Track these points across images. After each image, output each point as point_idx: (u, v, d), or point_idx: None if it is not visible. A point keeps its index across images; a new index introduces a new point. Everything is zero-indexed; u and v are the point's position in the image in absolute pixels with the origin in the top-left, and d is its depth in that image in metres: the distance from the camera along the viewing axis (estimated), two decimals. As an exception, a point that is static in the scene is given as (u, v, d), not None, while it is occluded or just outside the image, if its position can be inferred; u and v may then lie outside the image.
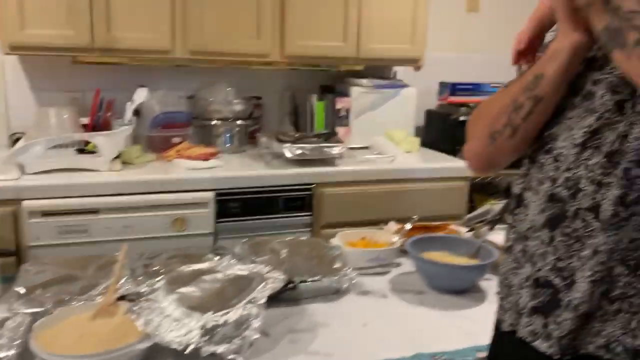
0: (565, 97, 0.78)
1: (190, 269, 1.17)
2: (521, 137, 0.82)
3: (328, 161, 2.35)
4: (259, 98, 2.76)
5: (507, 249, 0.86)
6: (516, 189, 0.86)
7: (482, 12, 3.10)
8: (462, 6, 3.09)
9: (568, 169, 0.75)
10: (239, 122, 2.56)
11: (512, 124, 0.82)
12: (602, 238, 0.70)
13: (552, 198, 0.76)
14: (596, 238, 0.71)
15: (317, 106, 2.72)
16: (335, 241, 1.46)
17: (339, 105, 2.71)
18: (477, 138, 0.90)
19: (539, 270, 0.77)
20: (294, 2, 2.41)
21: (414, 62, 2.71)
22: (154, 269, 1.21)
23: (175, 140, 2.43)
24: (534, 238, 0.79)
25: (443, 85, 2.94)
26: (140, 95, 2.33)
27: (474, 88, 2.90)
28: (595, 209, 0.71)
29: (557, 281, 0.75)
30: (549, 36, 0.87)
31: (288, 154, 2.26)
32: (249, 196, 2.21)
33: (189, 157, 2.26)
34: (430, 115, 2.99)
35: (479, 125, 0.90)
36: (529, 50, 0.89)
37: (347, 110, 2.71)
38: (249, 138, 2.65)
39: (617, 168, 0.70)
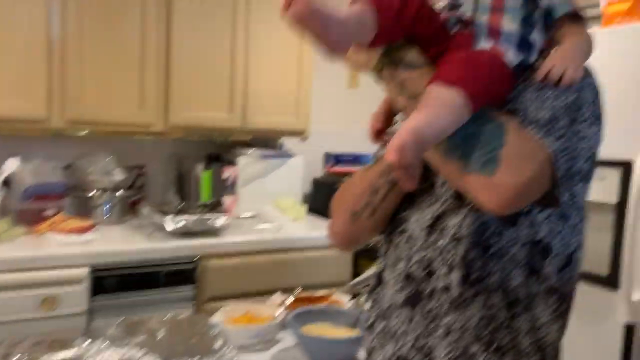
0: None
1: (56, 358, 1.08)
2: (380, 217, 0.88)
3: (212, 232, 2.31)
4: (142, 167, 2.69)
5: (369, 327, 0.89)
6: (376, 268, 0.90)
7: (362, 88, 3.30)
8: (343, 83, 3.27)
9: (419, 250, 0.80)
10: (119, 192, 2.46)
11: (371, 204, 0.88)
12: (453, 317, 0.75)
13: (408, 277, 0.81)
14: (448, 317, 0.76)
15: (203, 175, 2.70)
16: (217, 318, 1.42)
17: (225, 174, 2.71)
18: (340, 217, 0.95)
19: (401, 348, 0.81)
20: (179, 72, 2.43)
21: (300, 134, 2.80)
22: (14, 359, 1.10)
23: (49, 212, 2.28)
24: (394, 317, 0.82)
25: (328, 155, 3.06)
26: (10, 166, 2.19)
27: (355, 159, 3.05)
28: (447, 289, 0.77)
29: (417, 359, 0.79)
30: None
31: (170, 227, 2.20)
32: (128, 271, 2.10)
33: (63, 231, 2.13)
34: (316, 183, 3.08)
35: (342, 205, 0.96)
36: (385, 129, 0.95)
37: (234, 179, 2.71)
38: (131, 208, 2.55)
39: (459, 250, 0.76)
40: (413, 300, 0.80)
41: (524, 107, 0.79)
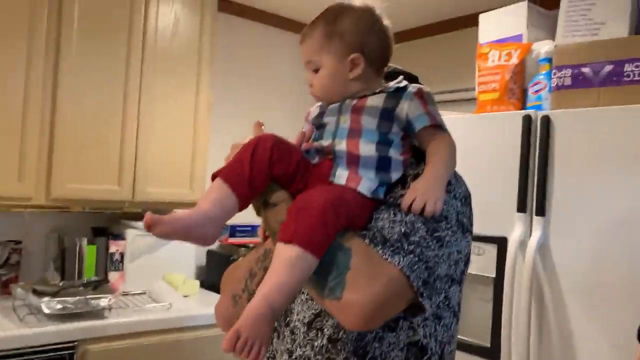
0: None
1: None
2: None
3: (95, 314, 2.16)
4: (18, 242, 2.48)
5: None
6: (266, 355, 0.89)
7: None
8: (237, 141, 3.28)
9: (300, 346, 0.80)
10: (-11, 271, 2.25)
11: (248, 289, 0.88)
12: None
13: None
14: None
15: (88, 250, 2.54)
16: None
17: (112, 249, 2.57)
18: (224, 298, 0.95)
19: None
20: (64, 141, 2.31)
21: (194, 206, 2.72)
22: None
23: None
24: None
25: (223, 226, 3.00)
26: None
27: (253, 229, 3.02)
28: None
29: None
30: None
31: (46, 310, 2.03)
32: (-6, 362, 1.89)
33: None
34: (211, 255, 3.00)
35: (227, 286, 0.96)
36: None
37: (122, 254, 2.58)
38: (4, 288, 2.33)
39: (339, 355, 0.76)
40: None
41: (380, 227, 0.84)
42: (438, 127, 0.91)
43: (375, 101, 0.92)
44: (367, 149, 0.88)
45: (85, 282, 2.32)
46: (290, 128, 3.29)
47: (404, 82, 0.94)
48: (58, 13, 2.28)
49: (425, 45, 3.21)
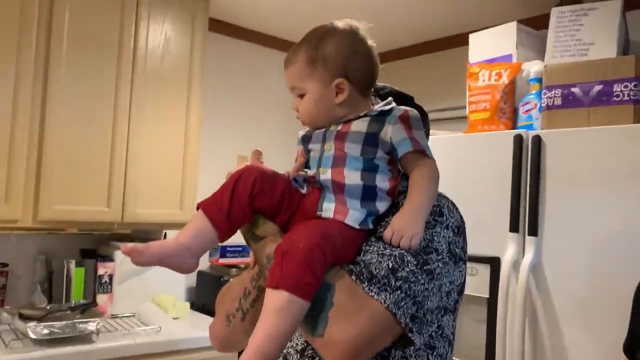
0: None
1: None
2: (250, 321, 0.86)
3: (83, 338, 2.11)
4: (4, 265, 2.44)
5: None
6: None
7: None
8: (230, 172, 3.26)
9: None
10: (-25, 295, 2.20)
11: (242, 308, 0.88)
12: None
13: None
14: None
15: (76, 272, 2.50)
16: None
17: (101, 271, 2.53)
18: (218, 318, 0.95)
19: None
20: (52, 164, 2.28)
21: (184, 226, 2.70)
22: None
23: None
24: None
25: (213, 247, 2.97)
26: None
27: (244, 249, 2.99)
28: None
29: None
30: None
31: (32, 335, 1.98)
32: (-22, 390, 1.84)
33: None
34: (201, 277, 2.96)
35: (221, 306, 0.95)
36: None
37: (111, 276, 2.54)
38: (-11, 312, 2.28)
39: None
40: None
41: (368, 261, 0.83)
42: (422, 152, 0.89)
43: (359, 126, 0.91)
44: (352, 177, 0.87)
45: (72, 305, 2.28)
46: (281, 144, 3.32)
47: (390, 105, 0.93)
48: (47, 31, 2.27)
49: (416, 63, 3.23)
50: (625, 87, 1.80)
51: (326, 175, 0.88)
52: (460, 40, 2.75)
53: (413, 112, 0.92)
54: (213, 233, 0.84)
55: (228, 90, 3.22)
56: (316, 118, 0.95)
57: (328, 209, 0.86)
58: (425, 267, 0.82)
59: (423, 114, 1.12)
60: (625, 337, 1.46)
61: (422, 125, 0.92)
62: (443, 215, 0.88)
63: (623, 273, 1.64)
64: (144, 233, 2.79)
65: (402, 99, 1.06)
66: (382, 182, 0.88)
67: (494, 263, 1.90)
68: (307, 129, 0.99)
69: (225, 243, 2.97)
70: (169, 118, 2.61)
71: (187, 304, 2.71)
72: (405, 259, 0.81)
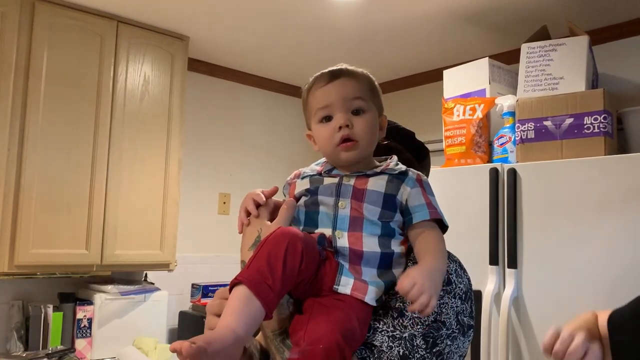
0: None
1: None
2: None
3: (60, 387, 2.06)
4: (-21, 312, 2.38)
5: None
6: None
7: (233, 215, 3.30)
8: (215, 209, 3.25)
9: None
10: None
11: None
12: None
13: None
14: None
15: (54, 317, 2.44)
16: None
17: (80, 315, 2.48)
18: None
19: None
20: (29, 207, 2.25)
21: (165, 267, 2.68)
22: None
23: None
24: None
25: (195, 287, 2.94)
26: None
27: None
28: None
29: None
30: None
31: (7, 385, 1.93)
32: None
33: None
34: (183, 317, 2.91)
35: None
36: None
37: (90, 320, 2.49)
38: (-38, 362, 2.21)
39: None
40: None
41: (379, 345, 0.83)
42: (439, 221, 0.88)
43: (377, 185, 0.88)
44: (369, 244, 0.85)
45: (50, 351, 2.22)
46: (262, 182, 3.31)
47: (403, 167, 0.92)
48: (25, 75, 2.27)
49: (392, 98, 3.28)
50: (595, 119, 1.84)
51: (343, 240, 0.85)
52: (435, 76, 2.81)
53: (424, 177, 0.92)
54: (262, 314, 0.74)
55: (208, 128, 3.23)
56: (370, 141, 0.91)
57: (346, 284, 0.82)
58: (434, 350, 0.81)
59: (425, 151, 1.13)
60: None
61: (432, 190, 0.92)
62: (451, 283, 0.87)
63: (601, 303, 1.65)
64: (124, 274, 2.75)
65: (404, 134, 1.07)
66: (397, 246, 0.87)
67: (475, 296, 1.90)
68: (307, 178, 0.94)
69: (207, 282, 2.94)
70: (148, 158, 2.61)
71: (169, 346, 2.66)
72: (415, 343, 0.81)
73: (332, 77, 0.92)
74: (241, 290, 0.74)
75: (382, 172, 0.90)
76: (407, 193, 0.88)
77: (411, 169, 0.92)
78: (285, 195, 0.97)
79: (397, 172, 0.90)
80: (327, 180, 0.91)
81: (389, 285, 0.86)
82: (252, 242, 0.90)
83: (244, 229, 0.93)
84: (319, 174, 0.94)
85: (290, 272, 0.77)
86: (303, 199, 0.92)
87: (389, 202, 0.87)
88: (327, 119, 0.91)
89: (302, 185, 0.94)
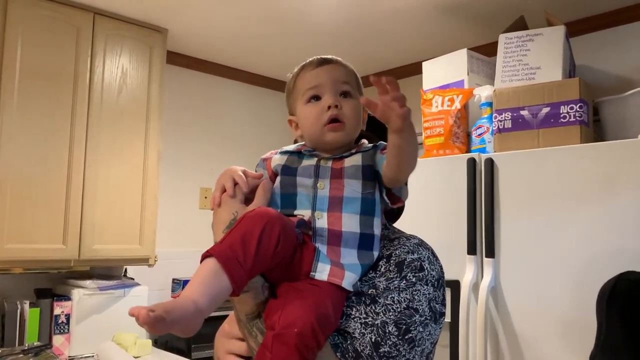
0: None
1: None
2: None
3: (36, 382, 2.03)
4: (-46, 309, 2.34)
5: None
6: None
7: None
8: (196, 203, 3.23)
9: None
10: None
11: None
12: None
13: None
14: None
15: (30, 313, 2.40)
16: None
17: (57, 311, 2.44)
18: None
19: None
20: (5, 202, 2.21)
21: (144, 261, 2.65)
22: None
23: None
24: None
25: (176, 282, 2.92)
26: None
27: (207, 283, 2.93)
28: None
29: None
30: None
31: (-19, 381, 1.90)
32: None
33: None
34: (164, 312, 2.89)
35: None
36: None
37: (68, 316, 2.45)
38: (-64, 360, 2.17)
39: None
40: None
41: (352, 333, 0.83)
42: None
43: (354, 160, 0.89)
44: (349, 224, 0.85)
45: (26, 348, 2.19)
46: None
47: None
48: (-1, 66, 2.24)
49: (372, 92, 3.27)
50: (571, 108, 1.85)
51: (322, 221, 0.85)
52: (414, 69, 2.81)
53: None
54: (229, 290, 0.73)
55: (188, 122, 3.20)
56: (355, 125, 0.92)
57: (322, 270, 0.82)
58: (407, 337, 0.81)
59: None
60: (592, 350, 1.46)
61: None
62: (424, 269, 0.86)
63: (578, 291, 1.67)
64: (103, 270, 2.72)
65: (379, 125, 1.06)
66: (378, 227, 0.87)
67: (454, 286, 1.91)
68: (283, 156, 0.94)
69: (188, 277, 2.91)
70: (126, 152, 2.58)
71: (149, 342, 2.63)
72: (387, 330, 0.81)
73: (323, 62, 0.94)
74: (210, 263, 0.73)
75: (356, 152, 0.91)
76: (378, 159, 0.89)
77: (381, 141, 0.93)
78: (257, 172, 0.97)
79: (368, 148, 0.92)
80: (306, 162, 0.91)
81: (366, 269, 0.86)
82: (226, 223, 0.88)
83: (216, 209, 0.92)
84: (299, 152, 0.94)
85: (264, 252, 0.76)
86: (279, 179, 0.92)
87: (368, 171, 0.88)
88: (316, 98, 0.92)
89: (279, 160, 0.94)
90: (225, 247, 0.75)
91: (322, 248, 0.84)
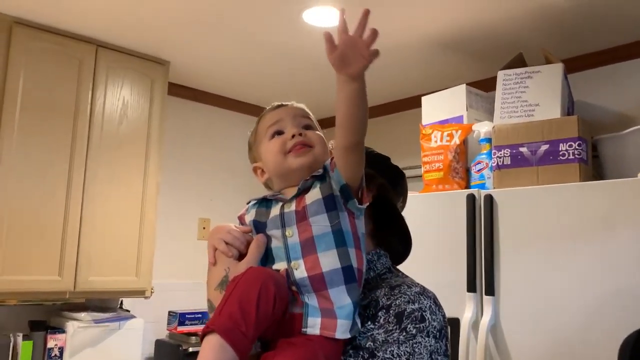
0: None
1: None
2: None
3: (26, 419, 1.98)
4: (-54, 341, 2.30)
5: None
6: None
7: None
8: (194, 235, 3.21)
9: None
10: None
11: None
12: None
13: None
14: None
15: (23, 346, 2.37)
16: None
17: (51, 344, 2.40)
18: None
19: None
20: (0, 234, 2.20)
21: (141, 293, 2.62)
22: None
23: None
24: None
25: (172, 314, 2.88)
26: None
27: (203, 316, 2.90)
28: None
29: None
30: None
31: (-31, 419, 1.85)
32: None
33: None
34: (160, 346, 2.85)
35: None
36: None
37: (61, 349, 2.42)
38: None
39: None
40: None
41: None
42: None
43: (313, 194, 0.85)
44: (328, 262, 0.81)
45: (18, 382, 2.15)
46: (241, 209, 3.28)
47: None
48: (0, 94, 2.24)
49: (371, 125, 3.26)
50: (570, 146, 1.85)
51: (300, 270, 0.81)
52: (414, 103, 2.83)
53: None
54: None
55: (188, 153, 3.21)
56: (322, 152, 0.91)
57: (314, 324, 0.79)
58: None
59: (400, 175, 1.10)
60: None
61: None
62: (425, 320, 0.83)
63: (578, 330, 1.64)
64: (99, 301, 2.69)
65: (377, 159, 1.05)
66: (355, 260, 0.84)
67: (453, 324, 1.88)
68: (254, 207, 0.92)
69: (184, 310, 2.88)
70: (125, 183, 2.57)
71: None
72: None
73: (280, 105, 0.97)
74: (214, 340, 0.71)
75: (310, 178, 0.87)
76: (335, 179, 0.85)
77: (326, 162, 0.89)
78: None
79: (320, 173, 0.87)
80: (273, 211, 0.89)
81: (359, 304, 0.84)
82: (218, 281, 0.87)
83: (211, 267, 0.91)
84: (264, 198, 0.92)
85: (264, 316, 0.74)
86: (255, 224, 0.91)
87: (330, 202, 0.84)
88: (279, 133, 0.93)
89: (250, 216, 0.92)
90: (225, 319, 0.73)
91: (311, 299, 0.81)
